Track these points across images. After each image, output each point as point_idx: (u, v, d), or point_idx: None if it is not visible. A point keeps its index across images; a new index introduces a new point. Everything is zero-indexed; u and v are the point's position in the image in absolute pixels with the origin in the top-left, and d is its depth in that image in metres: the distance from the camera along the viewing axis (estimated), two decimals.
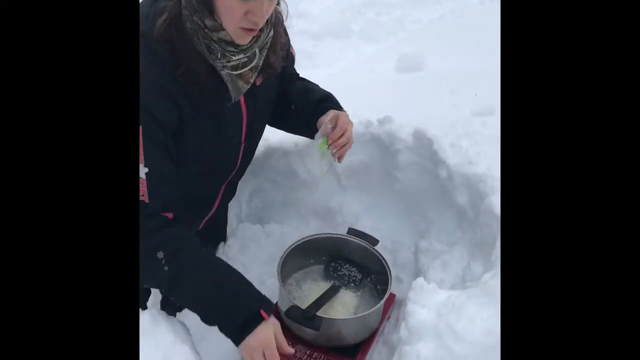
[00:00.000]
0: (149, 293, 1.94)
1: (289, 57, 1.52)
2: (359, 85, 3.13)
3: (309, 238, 1.65)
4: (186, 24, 1.17)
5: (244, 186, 2.08)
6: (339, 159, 1.46)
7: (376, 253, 1.61)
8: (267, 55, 1.30)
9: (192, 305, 1.25)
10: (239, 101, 1.32)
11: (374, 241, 1.65)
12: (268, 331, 1.21)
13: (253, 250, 1.82)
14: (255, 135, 1.49)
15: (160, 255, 1.18)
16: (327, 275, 1.67)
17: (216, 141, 1.33)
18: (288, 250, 1.59)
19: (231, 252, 1.80)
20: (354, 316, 1.51)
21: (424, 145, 1.72)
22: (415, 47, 3.44)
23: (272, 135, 1.96)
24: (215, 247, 1.86)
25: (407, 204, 1.82)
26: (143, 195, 1.18)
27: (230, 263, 1.76)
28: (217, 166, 1.43)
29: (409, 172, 1.76)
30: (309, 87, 1.57)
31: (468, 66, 2.99)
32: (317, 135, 1.41)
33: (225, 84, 1.24)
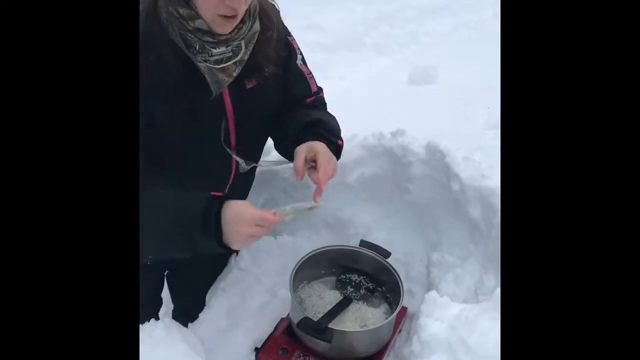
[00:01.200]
0: (161, 303, 1.95)
1: (298, 77, 1.47)
2: (371, 97, 3.15)
3: (321, 250, 1.65)
4: (162, 15, 1.17)
5: (256, 196, 2.09)
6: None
7: (388, 265, 1.61)
8: (255, 51, 1.28)
9: (155, 234, 1.12)
10: (222, 101, 1.29)
11: (386, 253, 1.65)
12: (234, 206, 1.11)
13: (265, 261, 1.82)
14: (248, 141, 1.41)
15: None
16: (339, 287, 1.67)
17: (195, 138, 1.27)
18: (300, 262, 1.59)
19: (243, 263, 1.81)
20: (365, 329, 1.51)
21: (436, 158, 1.72)
22: (429, 59, 3.45)
23: None
24: (228, 254, 1.86)
25: (419, 216, 1.82)
26: None
27: (243, 274, 1.79)
28: (207, 172, 1.37)
29: (421, 184, 1.76)
30: (309, 112, 1.46)
31: (481, 79, 3.00)
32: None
33: (202, 76, 1.21)
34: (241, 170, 1.39)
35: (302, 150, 1.28)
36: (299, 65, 1.48)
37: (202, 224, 1.08)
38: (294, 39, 1.48)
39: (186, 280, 1.85)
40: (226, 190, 1.46)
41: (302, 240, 1.90)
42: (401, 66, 3.74)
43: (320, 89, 1.59)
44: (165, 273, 1.89)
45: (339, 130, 1.45)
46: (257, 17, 1.28)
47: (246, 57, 1.26)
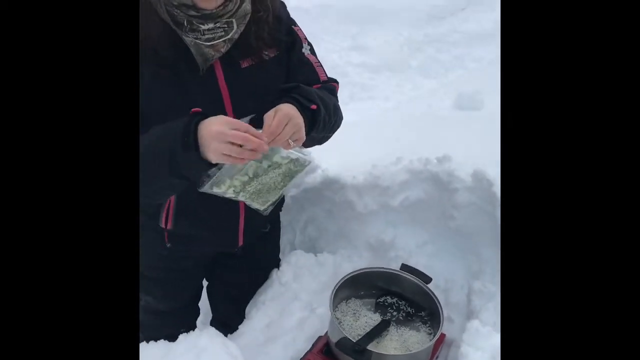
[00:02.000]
0: (198, 313, 1.98)
1: (304, 64, 1.45)
2: (415, 119, 3.15)
3: (362, 270, 1.66)
4: None
5: (299, 215, 2.12)
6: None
7: (428, 291, 1.61)
8: (247, 31, 1.29)
9: (148, 170, 1.15)
10: (215, 79, 1.30)
11: (427, 279, 1.65)
12: (211, 118, 1.12)
13: (305, 278, 1.84)
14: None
15: None
16: (378, 309, 1.67)
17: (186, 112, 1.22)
18: (341, 281, 1.61)
19: (284, 278, 1.83)
20: (404, 353, 1.51)
21: (483, 186, 1.72)
22: (475, 85, 3.43)
23: (330, 167, 2.01)
24: (269, 268, 1.88)
25: (462, 243, 1.81)
26: None
27: (283, 289, 1.81)
28: None
29: (466, 211, 1.76)
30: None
31: None
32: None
33: (191, 53, 1.23)
34: None
35: (269, 115, 1.19)
36: (305, 54, 1.47)
37: (182, 137, 1.11)
38: (300, 30, 1.48)
39: (226, 291, 1.88)
40: None
41: (342, 259, 1.91)
42: (446, 90, 3.73)
43: (332, 80, 1.53)
44: (205, 284, 1.93)
45: (322, 98, 1.35)
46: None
47: (236, 36, 1.28)
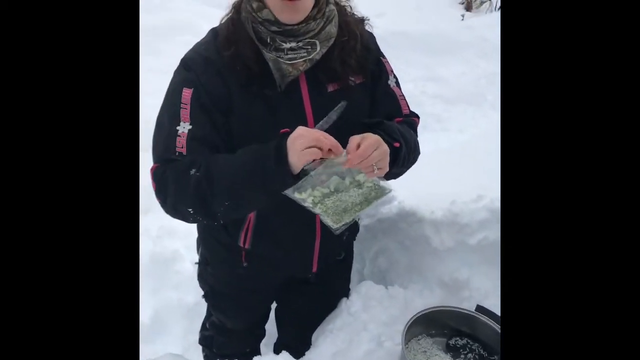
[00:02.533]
0: (264, 335, 2.00)
1: (389, 96, 1.47)
2: (490, 154, 3.08)
3: (436, 308, 1.63)
4: (242, 12, 1.29)
5: (371, 245, 2.11)
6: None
7: None
8: (333, 56, 1.32)
9: (234, 181, 1.24)
10: (300, 97, 1.33)
11: None
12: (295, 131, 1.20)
13: (375, 309, 1.82)
14: None
15: (193, 171, 1.25)
16: (449, 350, 1.63)
17: (272, 131, 1.26)
18: (415, 317, 1.58)
19: (353, 308, 1.82)
20: None
21: None
22: None
23: (407, 199, 1.99)
24: (339, 297, 1.86)
25: None
26: (182, 147, 1.27)
27: (351, 319, 1.80)
28: None
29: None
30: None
31: None
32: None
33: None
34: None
35: (354, 138, 1.22)
36: (390, 85, 1.49)
37: (275, 154, 1.19)
38: (388, 62, 1.50)
39: (295, 316, 1.89)
40: None
41: (413, 293, 1.88)
42: None
43: (414, 114, 1.55)
44: (275, 307, 1.95)
45: (404, 134, 1.38)
46: (334, 22, 1.32)
47: (318, 57, 1.30)
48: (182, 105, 1.29)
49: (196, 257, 1.80)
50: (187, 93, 1.29)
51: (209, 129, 1.30)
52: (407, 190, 2.02)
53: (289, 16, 1.25)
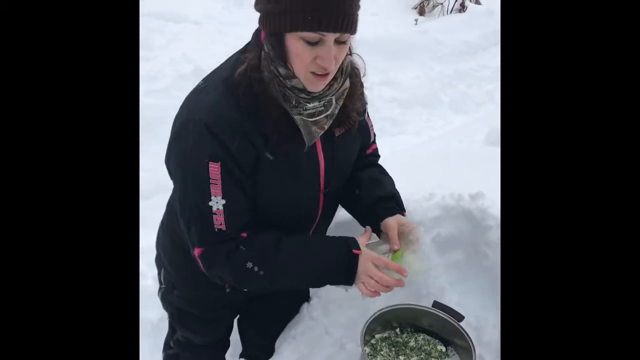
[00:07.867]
0: (228, 346, 1.99)
1: (365, 127, 1.55)
2: (446, 155, 3.14)
3: (393, 307, 1.65)
4: (264, 72, 1.26)
5: None
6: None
7: (460, 329, 1.59)
8: (344, 105, 1.35)
9: (298, 284, 1.49)
10: (315, 148, 1.37)
11: (460, 317, 1.62)
12: (365, 261, 1.35)
13: (335, 312, 1.84)
14: (334, 186, 1.48)
15: (250, 265, 1.30)
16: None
17: (294, 184, 1.36)
18: (372, 318, 1.60)
19: (314, 313, 1.83)
20: None
21: None
22: None
23: None
24: (299, 302, 1.90)
25: (495, 281, 1.79)
26: (220, 225, 1.28)
27: (313, 324, 1.81)
28: (298, 213, 1.45)
29: (499, 249, 1.74)
30: (380, 179, 1.57)
31: None
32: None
33: (299, 128, 1.30)
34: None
35: (394, 227, 1.46)
36: (365, 117, 1.54)
37: (345, 277, 1.37)
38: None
39: (257, 324, 1.89)
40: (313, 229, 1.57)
41: None
42: (478, 125, 3.73)
43: (374, 136, 1.66)
44: (237, 317, 1.94)
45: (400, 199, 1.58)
46: (349, 75, 1.35)
47: (336, 112, 1.33)
48: (211, 181, 1.27)
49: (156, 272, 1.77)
50: (214, 168, 1.26)
51: (242, 197, 1.31)
52: None
53: (318, 87, 1.26)
